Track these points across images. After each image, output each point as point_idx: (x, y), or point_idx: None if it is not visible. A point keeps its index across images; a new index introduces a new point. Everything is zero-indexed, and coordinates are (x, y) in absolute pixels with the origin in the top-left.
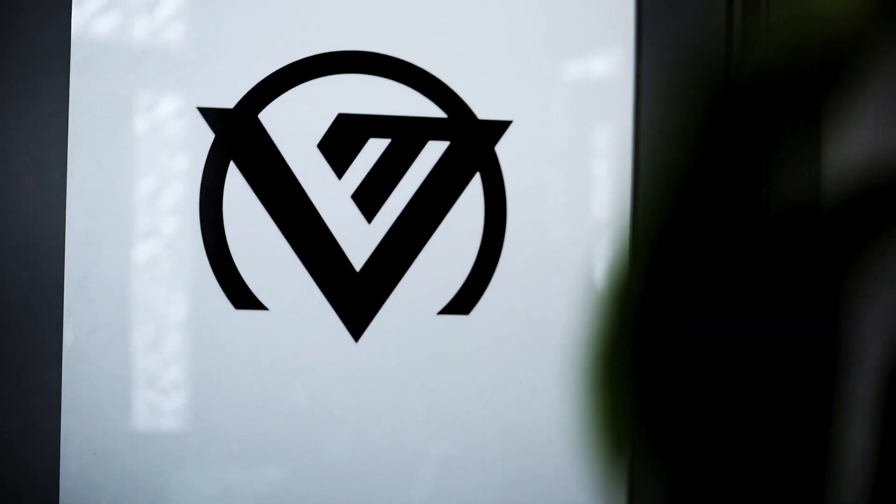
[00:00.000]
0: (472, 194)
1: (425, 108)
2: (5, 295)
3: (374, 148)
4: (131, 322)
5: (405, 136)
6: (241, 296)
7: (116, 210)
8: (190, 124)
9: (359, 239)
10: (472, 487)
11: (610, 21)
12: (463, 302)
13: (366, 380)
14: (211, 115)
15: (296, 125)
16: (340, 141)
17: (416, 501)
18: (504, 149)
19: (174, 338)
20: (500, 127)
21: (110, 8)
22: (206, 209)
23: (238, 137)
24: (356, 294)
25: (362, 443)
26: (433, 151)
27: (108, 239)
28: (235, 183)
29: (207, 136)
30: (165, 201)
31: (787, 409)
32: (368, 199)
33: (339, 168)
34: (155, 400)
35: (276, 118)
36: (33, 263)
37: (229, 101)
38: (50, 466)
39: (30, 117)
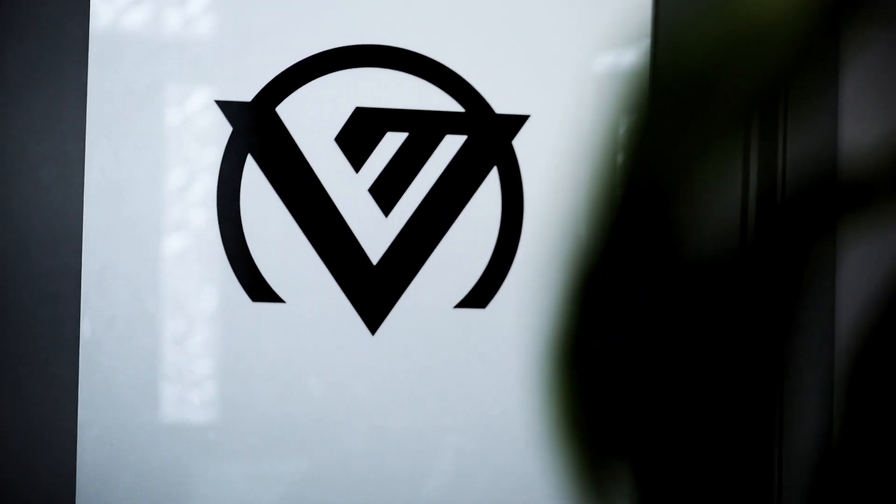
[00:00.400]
0: (490, 188)
1: (443, 102)
2: (24, 286)
3: (392, 142)
4: (148, 314)
5: (423, 129)
6: (259, 288)
7: (134, 202)
8: (208, 117)
9: (376, 232)
10: (488, 481)
11: (628, 13)
12: (479, 296)
13: (382, 373)
14: (229, 109)
15: (313, 119)
16: (358, 134)
17: (432, 495)
18: (521, 143)
19: (190, 330)
20: (518, 121)
21: (129, 1)
22: (223, 202)
23: (256, 131)
24: (373, 287)
25: (378, 436)
26: (450, 145)
27: (126, 231)
28: (253, 176)
29: (225, 130)
30: (183, 194)
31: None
32: (385, 192)
33: (357, 162)
34: (172, 391)
35: (294, 112)
36: (51, 255)
37: (247, 94)
38: (66, 457)
39: (48, 109)
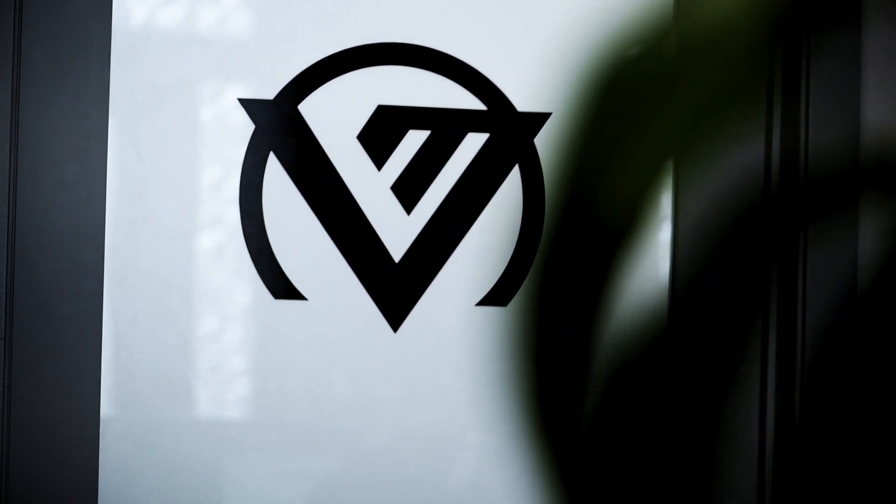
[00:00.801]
0: (511, 186)
1: (465, 100)
2: (47, 283)
3: (414, 139)
4: (170, 311)
5: (445, 127)
6: (281, 286)
7: (156, 200)
8: (230, 115)
9: (398, 230)
10: (509, 477)
11: (649, 12)
12: (501, 294)
13: (404, 370)
14: (251, 107)
15: (336, 116)
16: (380, 132)
17: (455, 491)
18: (543, 141)
19: (213, 327)
20: (540, 119)
21: (151, 0)
22: (246, 200)
23: (278, 129)
24: (395, 285)
25: (401, 432)
26: (473, 143)
27: (148, 228)
28: (275, 174)
29: (247, 128)
30: (205, 191)
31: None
32: (408, 190)
33: (379, 159)
34: (194, 388)
35: (316, 109)
36: (74, 251)
37: (269, 92)
38: (89, 453)
39: (71, 107)
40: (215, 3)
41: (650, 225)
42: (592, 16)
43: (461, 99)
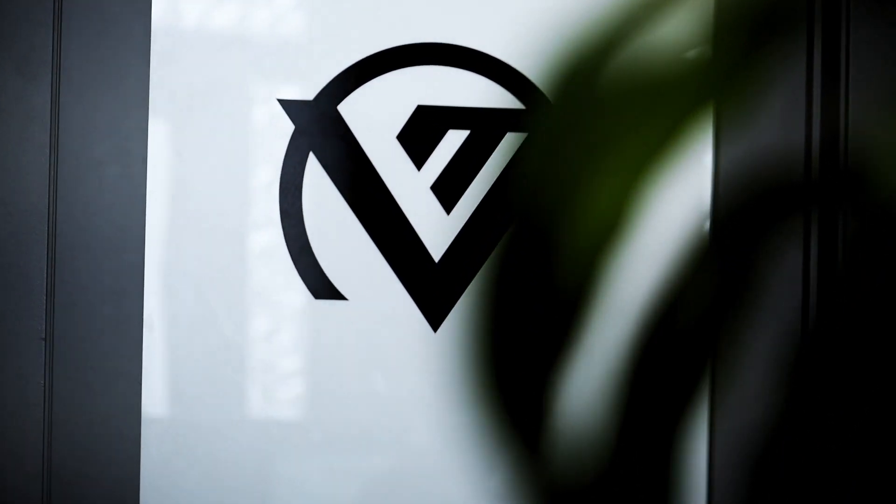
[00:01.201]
0: None
1: (504, 99)
2: (88, 284)
3: (453, 139)
4: (210, 311)
5: (484, 127)
6: (321, 286)
7: (197, 200)
8: (270, 115)
9: (438, 230)
10: None
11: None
12: None
13: (445, 370)
14: (291, 107)
15: (375, 117)
16: (419, 132)
17: (497, 489)
18: None
19: (253, 327)
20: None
21: (190, 0)
22: (285, 201)
23: (318, 129)
24: (435, 284)
25: (442, 432)
26: (512, 143)
27: (189, 228)
28: (315, 174)
29: (287, 128)
30: (245, 192)
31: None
32: (447, 190)
33: (419, 159)
34: (234, 388)
35: (356, 110)
36: (115, 252)
37: (309, 92)
38: (131, 453)
39: (111, 108)
40: (255, 3)
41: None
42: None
43: (500, 98)
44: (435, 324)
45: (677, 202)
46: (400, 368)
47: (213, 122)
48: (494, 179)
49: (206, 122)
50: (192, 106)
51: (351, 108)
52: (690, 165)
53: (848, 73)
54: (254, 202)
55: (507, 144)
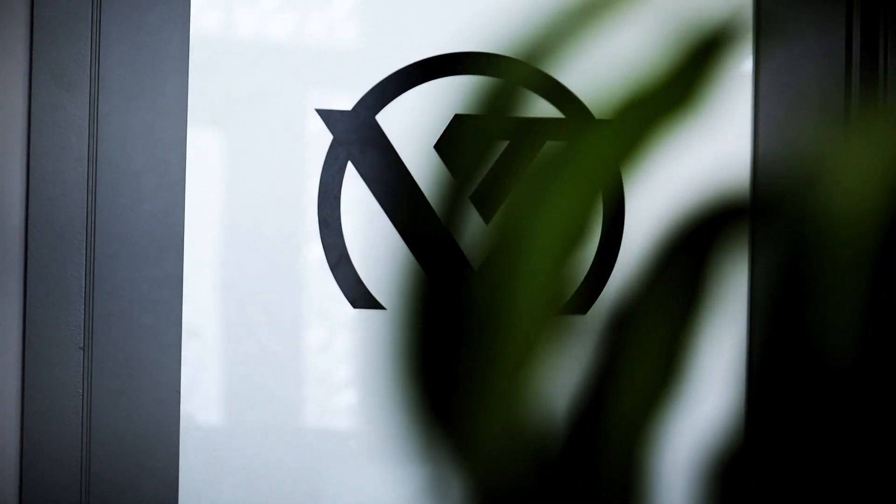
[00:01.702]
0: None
1: (543, 108)
2: (126, 292)
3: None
4: (248, 320)
5: (523, 136)
6: (359, 295)
7: (235, 210)
8: (308, 125)
9: (477, 239)
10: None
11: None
12: (580, 302)
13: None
14: (329, 117)
15: (413, 126)
16: (457, 142)
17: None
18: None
19: (291, 336)
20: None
21: (229, 9)
22: (323, 209)
23: (356, 139)
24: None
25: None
26: (551, 152)
27: (226, 238)
28: (353, 184)
29: (325, 138)
30: (283, 201)
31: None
32: (486, 199)
33: (457, 169)
34: (273, 396)
35: (394, 119)
36: (153, 261)
37: (347, 102)
38: (169, 462)
39: (149, 118)
40: (293, 13)
41: None
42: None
43: (539, 107)
44: None
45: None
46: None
47: (251, 132)
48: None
49: (244, 132)
50: (231, 116)
51: (389, 118)
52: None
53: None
54: (292, 212)
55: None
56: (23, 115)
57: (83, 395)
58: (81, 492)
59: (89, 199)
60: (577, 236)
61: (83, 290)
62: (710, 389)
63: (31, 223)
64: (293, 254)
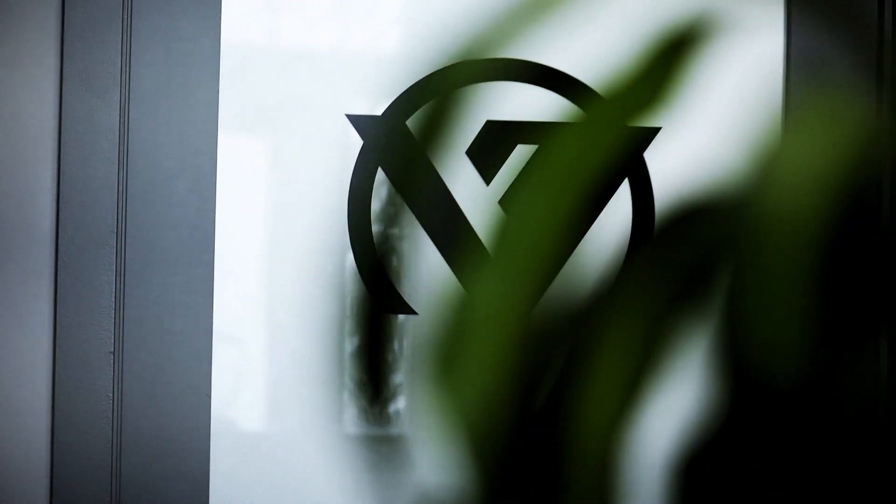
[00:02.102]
0: (621, 200)
1: (573, 114)
2: (157, 298)
3: (522, 154)
4: (280, 326)
5: (551, 141)
6: (391, 300)
7: (266, 215)
8: (338, 131)
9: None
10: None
11: (758, 29)
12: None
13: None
14: (359, 122)
15: (442, 132)
16: (489, 147)
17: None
18: (653, 155)
19: (322, 342)
20: (650, 133)
21: (260, 15)
22: (354, 215)
23: (386, 144)
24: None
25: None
26: None
27: (257, 243)
28: (383, 189)
29: (356, 143)
30: (314, 206)
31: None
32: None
33: (488, 174)
34: (303, 402)
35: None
36: (184, 266)
37: (378, 107)
38: (199, 466)
39: (180, 123)
40: (325, 19)
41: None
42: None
43: (569, 113)
44: None
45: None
46: None
47: (281, 137)
48: None
49: (274, 137)
50: (261, 121)
51: (420, 123)
52: None
53: None
54: (323, 217)
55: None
56: (54, 120)
57: (113, 400)
58: (111, 496)
59: (120, 204)
60: (563, 238)
61: (114, 294)
62: (689, 386)
63: (62, 228)
64: (323, 260)
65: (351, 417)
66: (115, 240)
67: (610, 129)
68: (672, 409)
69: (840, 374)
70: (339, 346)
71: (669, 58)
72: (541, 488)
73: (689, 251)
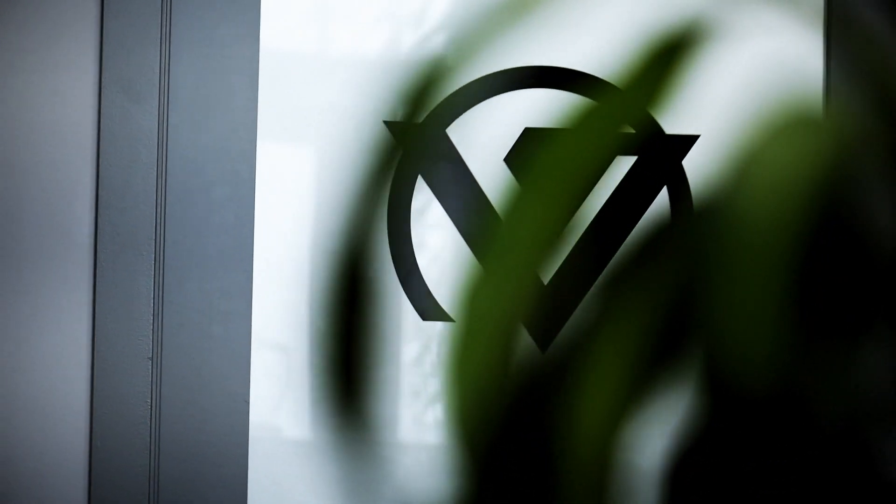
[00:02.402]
0: (660, 208)
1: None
2: (195, 303)
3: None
4: (318, 333)
5: (593, 151)
6: (429, 307)
7: (304, 221)
8: (377, 138)
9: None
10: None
11: (797, 36)
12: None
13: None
14: (398, 129)
15: (483, 139)
16: (527, 155)
17: None
18: (691, 163)
19: (361, 349)
20: (688, 141)
21: (299, 21)
22: (393, 222)
23: (426, 152)
24: (543, 307)
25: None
26: (621, 166)
27: (296, 249)
28: (423, 197)
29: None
30: (352, 214)
31: None
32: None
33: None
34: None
35: (464, 132)
36: (223, 272)
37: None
38: (238, 473)
39: (219, 129)
40: (363, 26)
41: None
42: (740, 40)
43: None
44: (543, 345)
45: None
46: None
47: (320, 144)
48: (603, 202)
49: (313, 144)
50: (299, 128)
51: (459, 131)
52: None
53: None
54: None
55: (616, 167)
56: (93, 127)
57: (152, 406)
58: (150, 502)
59: (158, 210)
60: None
61: (152, 300)
62: (680, 393)
63: (101, 234)
64: (362, 266)
65: (394, 425)
66: (153, 246)
67: (620, 118)
68: (663, 413)
69: (816, 380)
70: (372, 351)
71: (665, 61)
72: (534, 492)
73: (670, 260)
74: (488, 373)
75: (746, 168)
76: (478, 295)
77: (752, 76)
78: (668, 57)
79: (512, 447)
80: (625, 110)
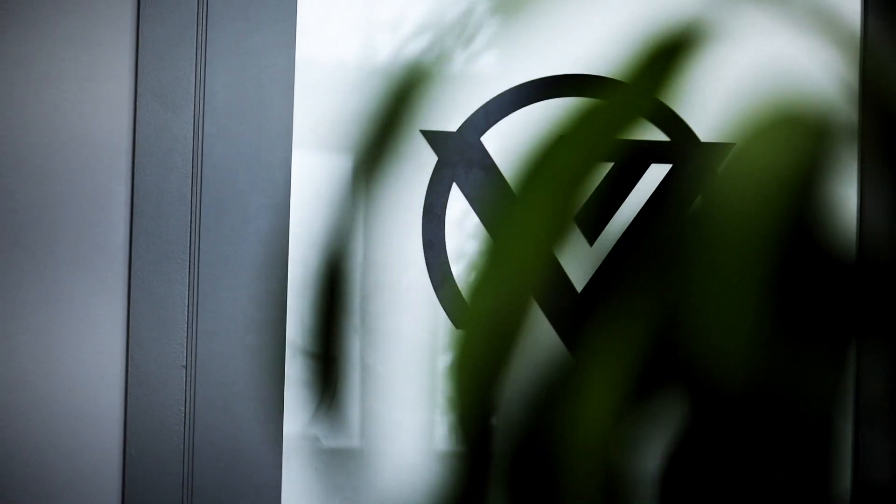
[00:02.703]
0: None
1: (648, 131)
2: (229, 311)
3: (597, 171)
4: (351, 340)
5: (627, 159)
6: (463, 315)
7: (337, 231)
8: (412, 147)
9: (580, 260)
10: None
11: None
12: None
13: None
14: (434, 138)
15: (519, 148)
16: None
17: None
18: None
19: (397, 357)
20: (724, 149)
21: (334, 31)
22: (428, 231)
23: (461, 160)
24: (577, 315)
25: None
26: (656, 174)
27: None
28: (458, 205)
29: (430, 159)
30: (388, 223)
31: None
32: (590, 221)
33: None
34: (377, 417)
35: (499, 141)
36: (257, 281)
37: (453, 124)
38: (272, 480)
39: (255, 138)
40: (398, 36)
41: None
42: (773, 47)
43: (644, 130)
44: (572, 348)
45: None
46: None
47: (356, 154)
48: (638, 211)
49: (349, 153)
50: (335, 137)
51: (494, 140)
52: None
53: None
54: (397, 233)
55: (652, 176)
56: (128, 135)
57: (185, 413)
58: None
59: (193, 218)
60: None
61: (186, 308)
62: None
63: (136, 242)
64: (398, 275)
65: (434, 435)
66: (188, 254)
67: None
68: (659, 417)
69: (794, 377)
70: (408, 358)
71: (663, 63)
72: (537, 495)
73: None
74: (497, 377)
75: (727, 167)
76: (485, 300)
77: (752, 76)
78: (668, 57)
79: (518, 451)
80: (628, 109)
